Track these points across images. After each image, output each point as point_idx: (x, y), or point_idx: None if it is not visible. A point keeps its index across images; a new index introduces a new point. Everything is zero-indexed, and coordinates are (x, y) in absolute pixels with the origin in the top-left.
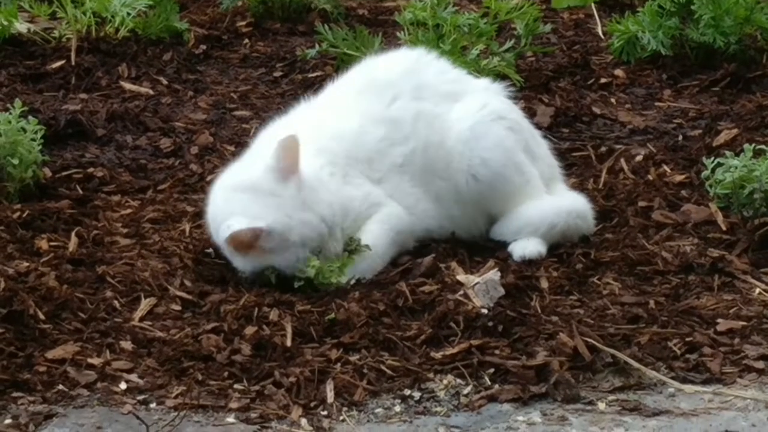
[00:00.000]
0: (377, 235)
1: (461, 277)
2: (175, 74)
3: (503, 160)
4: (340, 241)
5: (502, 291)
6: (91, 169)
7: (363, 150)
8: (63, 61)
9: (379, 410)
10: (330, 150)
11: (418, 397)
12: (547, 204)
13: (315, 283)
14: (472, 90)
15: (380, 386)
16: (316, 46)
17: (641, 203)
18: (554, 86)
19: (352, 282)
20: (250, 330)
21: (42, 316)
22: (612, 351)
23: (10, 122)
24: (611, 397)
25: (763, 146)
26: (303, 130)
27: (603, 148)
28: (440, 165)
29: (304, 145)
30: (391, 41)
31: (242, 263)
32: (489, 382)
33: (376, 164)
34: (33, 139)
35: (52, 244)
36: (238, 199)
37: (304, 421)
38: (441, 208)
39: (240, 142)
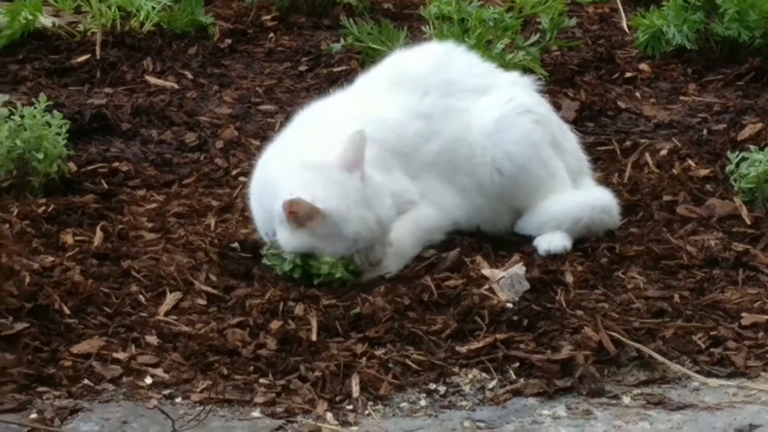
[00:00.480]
0: (404, 234)
1: (486, 271)
2: (200, 68)
3: (528, 154)
4: (387, 248)
5: (527, 285)
6: (116, 164)
7: (404, 143)
8: (88, 55)
9: (404, 404)
10: (376, 140)
11: (443, 392)
12: (572, 198)
13: (339, 278)
14: (500, 84)
15: (405, 380)
16: (341, 40)
17: (666, 197)
18: (579, 80)
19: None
20: (275, 324)
21: (67, 311)
22: (637, 345)
23: (35, 116)
24: (636, 391)
25: None
26: (345, 120)
27: (628, 143)
28: (462, 160)
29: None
30: (416, 35)
31: (287, 238)
32: (514, 376)
33: (413, 160)
34: (58, 134)
35: (77, 238)
36: (304, 176)
37: (329, 416)
38: (467, 201)
39: (265, 137)
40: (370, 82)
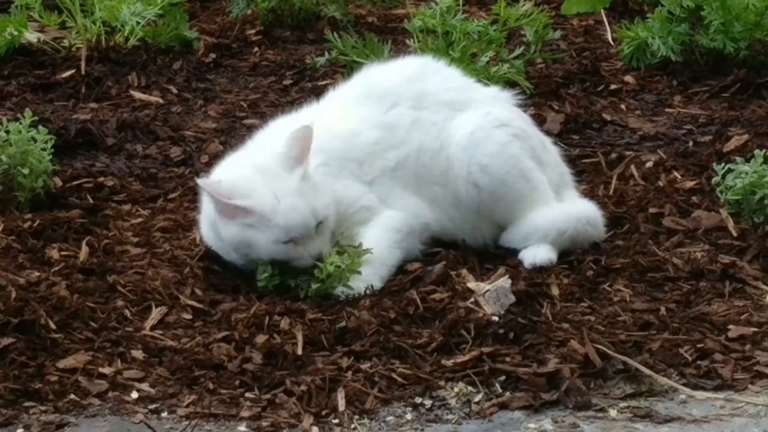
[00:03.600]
0: (376, 239)
1: (472, 284)
2: (184, 83)
3: (506, 168)
4: (328, 244)
5: (512, 298)
6: (101, 179)
7: (355, 151)
8: (73, 71)
9: (390, 418)
10: (325, 150)
11: (429, 405)
12: (557, 210)
13: (322, 292)
14: (478, 99)
15: (391, 394)
16: (326, 53)
17: (652, 209)
18: (564, 93)
19: (362, 291)
20: (261, 338)
21: (53, 326)
22: (623, 358)
23: (20, 132)
24: (623, 404)
25: None
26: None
27: (613, 155)
28: (436, 172)
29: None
30: (400, 49)
31: (224, 230)
32: (500, 390)
33: (367, 167)
34: (43, 149)
35: (63, 253)
36: (239, 174)
37: (315, 429)
38: (440, 212)
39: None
40: (339, 94)
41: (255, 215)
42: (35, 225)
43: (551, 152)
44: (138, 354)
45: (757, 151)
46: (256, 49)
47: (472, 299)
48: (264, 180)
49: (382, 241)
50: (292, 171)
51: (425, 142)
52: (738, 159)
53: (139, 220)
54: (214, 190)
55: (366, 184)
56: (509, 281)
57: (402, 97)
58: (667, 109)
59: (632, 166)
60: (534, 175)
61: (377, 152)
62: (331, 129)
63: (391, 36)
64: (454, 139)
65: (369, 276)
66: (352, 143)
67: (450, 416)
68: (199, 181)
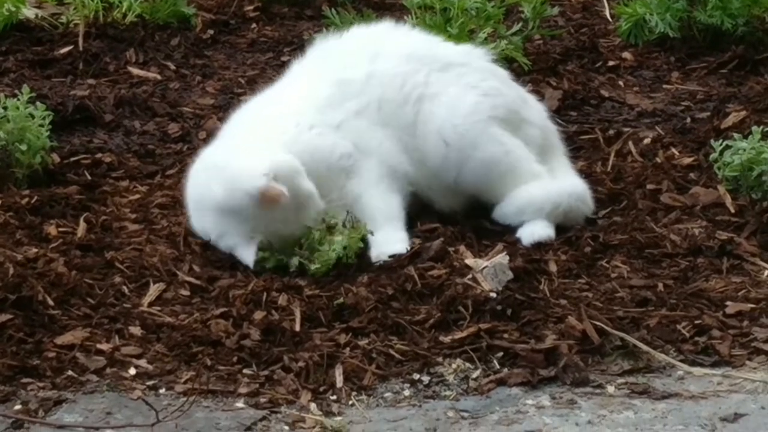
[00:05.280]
0: (373, 200)
1: (470, 260)
2: (182, 59)
3: (477, 128)
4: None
5: (510, 275)
6: (99, 155)
7: (319, 101)
8: (71, 47)
9: (388, 394)
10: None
11: (427, 381)
12: (551, 185)
13: (343, 262)
14: (451, 56)
15: (389, 370)
16: (324, 30)
17: (649, 186)
18: (562, 69)
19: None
20: (258, 315)
21: (51, 302)
22: (621, 334)
23: (18, 108)
24: (620, 381)
25: None
26: (267, 107)
27: (611, 131)
28: (402, 122)
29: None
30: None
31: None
32: (498, 366)
33: (329, 114)
34: (41, 125)
35: (61, 229)
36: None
37: (313, 406)
38: (410, 160)
39: None
40: (300, 67)
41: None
42: (33, 201)
43: (533, 108)
44: (136, 330)
45: (754, 128)
46: (254, 25)
47: (470, 276)
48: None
49: (373, 198)
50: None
51: (387, 93)
52: (736, 135)
53: (137, 196)
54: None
55: (334, 128)
56: (507, 258)
57: (358, 54)
58: (664, 86)
59: (630, 143)
60: (505, 139)
61: (335, 103)
62: (291, 95)
63: (389, 12)
64: (426, 95)
65: (384, 240)
66: (311, 96)
67: (448, 392)
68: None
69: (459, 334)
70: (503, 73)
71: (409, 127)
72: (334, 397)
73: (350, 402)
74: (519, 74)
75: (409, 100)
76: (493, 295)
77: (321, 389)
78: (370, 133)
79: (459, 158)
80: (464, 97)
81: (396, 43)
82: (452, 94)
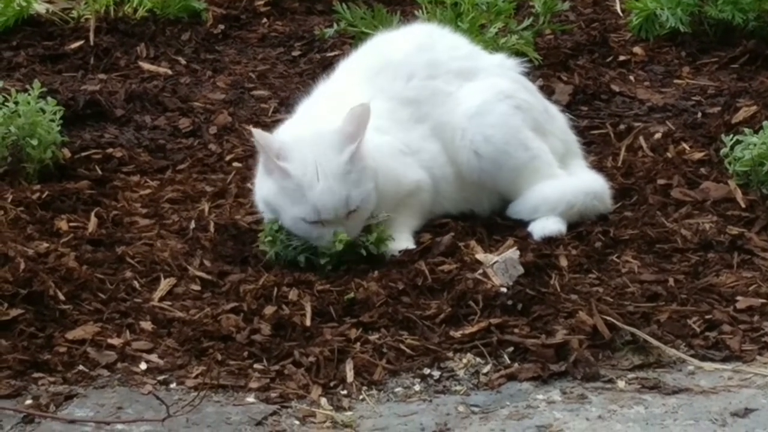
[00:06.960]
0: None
1: (480, 255)
2: (193, 54)
3: (507, 137)
4: (357, 230)
5: (521, 269)
6: (110, 150)
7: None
8: (81, 42)
9: (398, 389)
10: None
11: (437, 376)
12: (566, 183)
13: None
14: (485, 66)
15: (399, 365)
16: (335, 25)
17: (660, 181)
18: (573, 64)
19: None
20: (269, 310)
21: (62, 297)
22: (631, 329)
23: (29, 103)
24: (631, 375)
25: None
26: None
27: (622, 126)
28: (446, 144)
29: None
30: (409, 20)
31: (259, 184)
32: (508, 361)
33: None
34: (52, 120)
35: (72, 224)
36: (296, 137)
37: (323, 401)
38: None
39: (258, 122)
40: (352, 70)
41: (292, 182)
42: (44, 196)
43: (557, 120)
44: (147, 325)
45: (765, 123)
46: (264, 20)
47: (480, 270)
48: (313, 152)
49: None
50: (343, 150)
51: (443, 116)
52: (746, 130)
53: (148, 191)
54: (266, 143)
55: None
56: (518, 252)
57: (416, 67)
58: (675, 81)
59: (641, 138)
60: (534, 144)
61: (410, 127)
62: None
63: (399, 7)
64: (459, 108)
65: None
66: (394, 118)
67: (458, 387)
68: (254, 131)
69: (469, 329)
70: (532, 86)
71: (452, 147)
72: (345, 392)
73: (361, 397)
74: (530, 69)
75: (453, 118)
76: (504, 290)
77: (331, 384)
78: (435, 153)
79: (493, 167)
80: (496, 108)
81: (446, 55)
82: (486, 107)
